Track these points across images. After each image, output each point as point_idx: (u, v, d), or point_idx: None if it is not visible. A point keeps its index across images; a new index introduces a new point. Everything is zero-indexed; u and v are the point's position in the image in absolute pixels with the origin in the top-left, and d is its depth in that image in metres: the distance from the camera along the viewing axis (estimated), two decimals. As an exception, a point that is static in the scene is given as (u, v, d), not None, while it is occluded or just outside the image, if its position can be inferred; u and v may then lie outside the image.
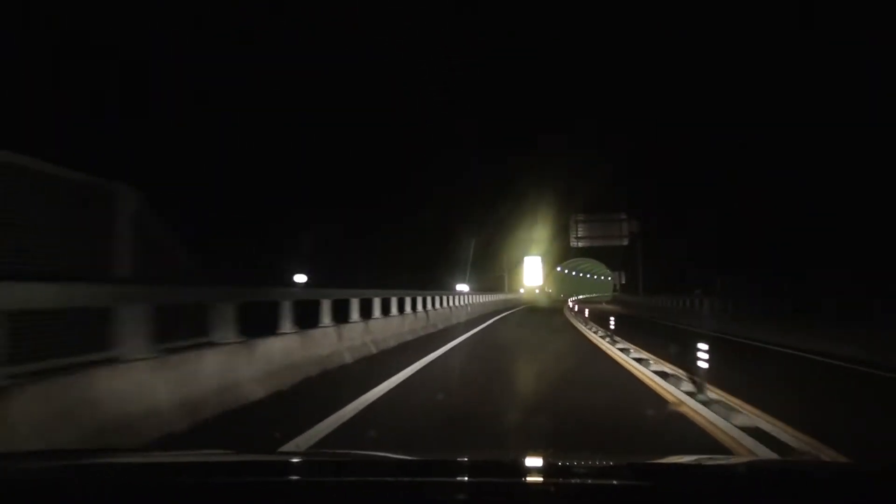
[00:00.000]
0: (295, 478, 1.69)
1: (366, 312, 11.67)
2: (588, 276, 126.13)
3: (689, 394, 6.60)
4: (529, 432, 5.17)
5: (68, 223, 5.45)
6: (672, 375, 8.08)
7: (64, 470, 1.69)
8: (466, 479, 1.60)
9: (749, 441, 4.68)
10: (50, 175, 5.11)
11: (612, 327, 14.61)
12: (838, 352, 11.49)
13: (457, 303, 23.93)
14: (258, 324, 7.19)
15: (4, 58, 20.15)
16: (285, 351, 7.51)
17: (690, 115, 41.45)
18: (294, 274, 20.92)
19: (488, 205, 55.40)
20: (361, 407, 6.04)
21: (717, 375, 6.67)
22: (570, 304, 41.74)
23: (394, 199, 43.07)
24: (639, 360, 9.99)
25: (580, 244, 51.28)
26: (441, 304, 20.36)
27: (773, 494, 1.46)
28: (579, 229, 49.82)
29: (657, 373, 8.48)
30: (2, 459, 1.92)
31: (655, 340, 13.78)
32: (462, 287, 34.63)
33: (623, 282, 63.27)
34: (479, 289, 40.65)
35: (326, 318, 9.29)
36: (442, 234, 47.14)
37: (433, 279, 32.17)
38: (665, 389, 7.16)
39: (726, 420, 5.38)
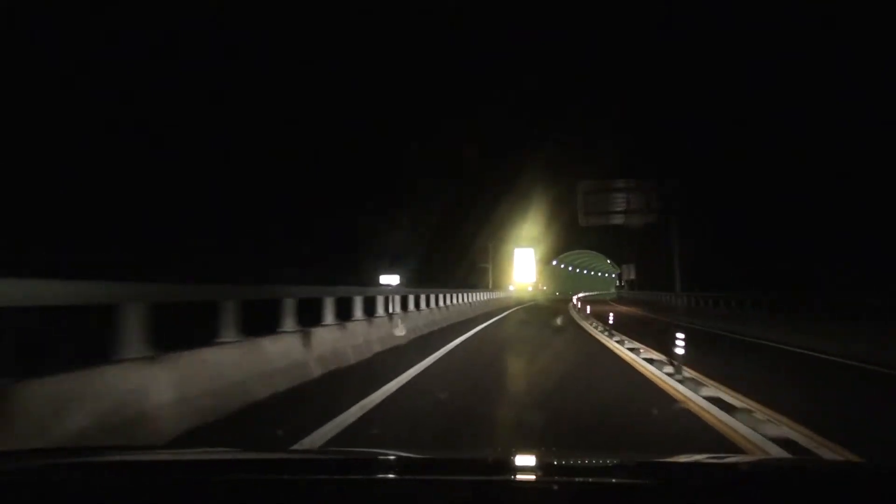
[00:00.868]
0: (296, 477, 1.70)
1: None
2: (586, 271, 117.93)
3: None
4: None
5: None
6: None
7: (69, 467, 1.69)
8: (473, 477, 1.60)
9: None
10: None
11: None
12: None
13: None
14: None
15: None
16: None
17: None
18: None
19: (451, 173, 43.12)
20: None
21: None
22: (576, 302, 34.07)
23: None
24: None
25: (590, 222, 37.24)
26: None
27: (776, 494, 1.46)
28: (589, 203, 35.85)
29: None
30: (12, 456, 1.92)
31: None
32: (390, 279, 28.71)
33: (632, 277, 54.26)
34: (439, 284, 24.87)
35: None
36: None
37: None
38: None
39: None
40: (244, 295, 6.73)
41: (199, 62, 30.43)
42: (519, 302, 42.39)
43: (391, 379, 7.31)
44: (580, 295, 51.65)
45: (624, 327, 15.77)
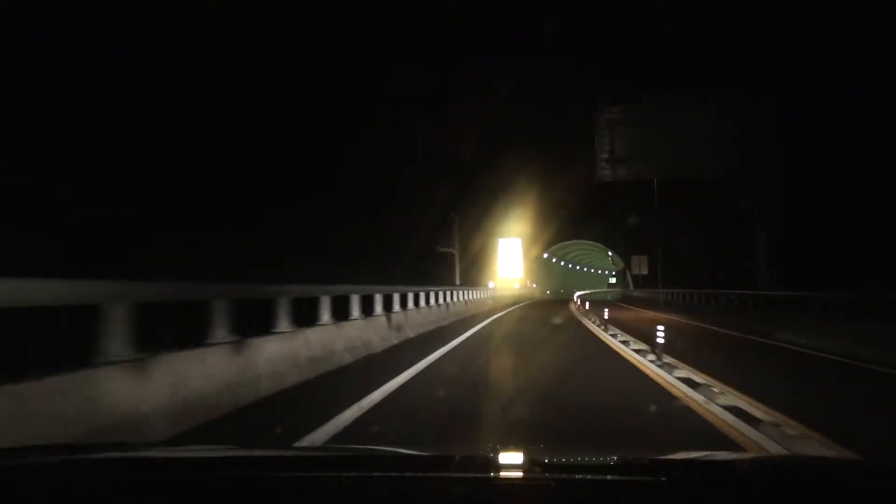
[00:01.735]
0: (296, 474, 1.70)
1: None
2: (579, 267, 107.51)
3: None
4: None
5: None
6: None
7: (66, 464, 1.69)
8: (473, 475, 1.60)
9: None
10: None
11: None
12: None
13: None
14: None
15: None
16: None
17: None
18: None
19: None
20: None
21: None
22: (580, 304, 27.89)
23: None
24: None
25: (614, 174, 24.48)
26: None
27: (776, 492, 1.46)
28: (617, 140, 23.89)
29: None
30: (15, 452, 1.91)
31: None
32: None
33: (643, 272, 42.55)
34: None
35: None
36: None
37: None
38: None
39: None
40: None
41: (198, 62, 30.36)
42: (506, 305, 33.97)
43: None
44: (580, 293, 46.03)
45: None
